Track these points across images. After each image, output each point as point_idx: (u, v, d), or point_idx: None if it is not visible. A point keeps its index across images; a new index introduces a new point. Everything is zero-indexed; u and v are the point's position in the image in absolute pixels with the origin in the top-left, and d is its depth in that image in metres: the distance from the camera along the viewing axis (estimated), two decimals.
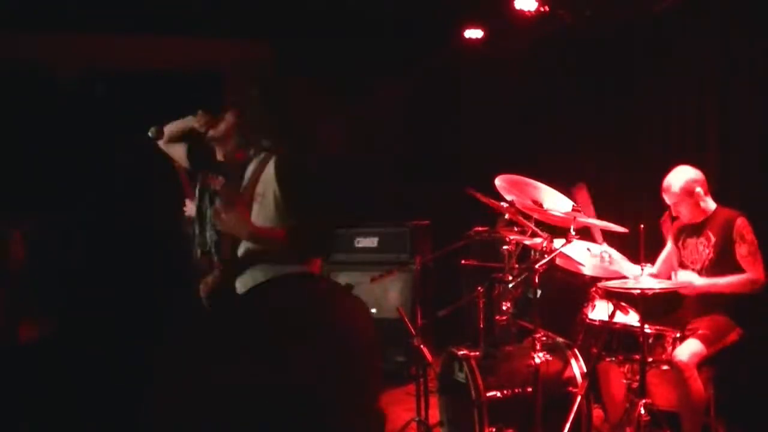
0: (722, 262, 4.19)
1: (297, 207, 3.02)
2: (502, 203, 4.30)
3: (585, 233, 4.54)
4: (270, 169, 3.10)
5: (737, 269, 4.15)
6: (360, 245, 6.53)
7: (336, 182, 3.10)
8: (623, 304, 4.13)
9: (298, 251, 3.02)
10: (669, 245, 4.52)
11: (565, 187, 4.25)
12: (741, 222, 4.19)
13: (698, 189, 4.27)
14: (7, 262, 3.17)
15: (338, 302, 1.45)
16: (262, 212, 3.07)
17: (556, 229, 4.41)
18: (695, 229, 4.36)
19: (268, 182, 3.09)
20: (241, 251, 3.13)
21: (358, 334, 1.37)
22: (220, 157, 3.89)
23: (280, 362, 1.31)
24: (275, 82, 3.23)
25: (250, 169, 3.20)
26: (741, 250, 4.15)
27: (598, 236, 4.59)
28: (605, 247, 4.47)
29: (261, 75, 3.25)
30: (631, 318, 4.15)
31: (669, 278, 4.34)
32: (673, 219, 4.46)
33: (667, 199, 4.34)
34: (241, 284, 3.10)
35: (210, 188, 3.89)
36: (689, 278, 4.22)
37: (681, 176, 4.30)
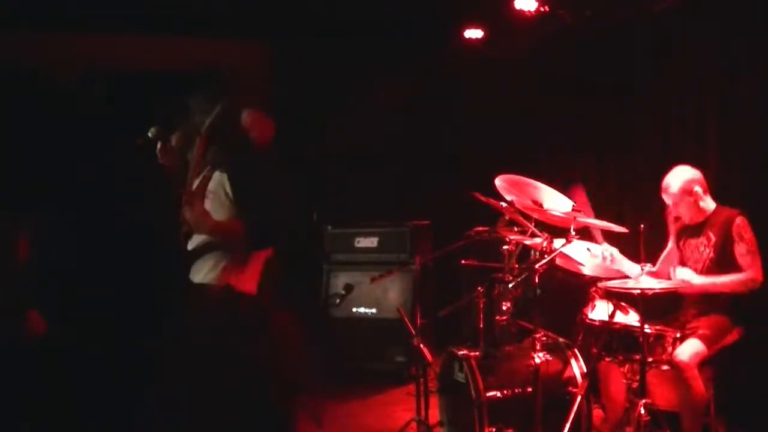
0: (723, 261, 4.19)
1: (246, 204, 3.18)
2: (502, 203, 4.30)
3: (584, 233, 4.54)
4: (221, 171, 3.25)
5: (737, 269, 4.16)
6: (360, 245, 6.53)
7: (281, 183, 3.24)
8: (623, 304, 4.13)
9: (250, 243, 3.19)
10: (670, 244, 4.52)
11: (562, 187, 4.25)
12: (740, 221, 4.19)
13: (697, 188, 4.27)
14: (12, 262, 3.17)
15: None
16: (213, 208, 3.21)
17: (556, 229, 4.41)
18: (696, 230, 4.36)
19: (218, 181, 3.25)
20: (193, 243, 3.27)
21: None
22: None
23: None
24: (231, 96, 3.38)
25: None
26: (740, 249, 4.15)
27: (598, 236, 4.59)
28: (606, 246, 4.47)
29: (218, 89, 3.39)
30: (631, 318, 4.15)
31: (669, 277, 4.35)
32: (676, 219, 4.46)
33: (667, 200, 4.34)
34: (194, 273, 3.25)
35: None
36: (687, 276, 4.22)
37: (679, 176, 4.31)
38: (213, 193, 3.25)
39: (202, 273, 3.24)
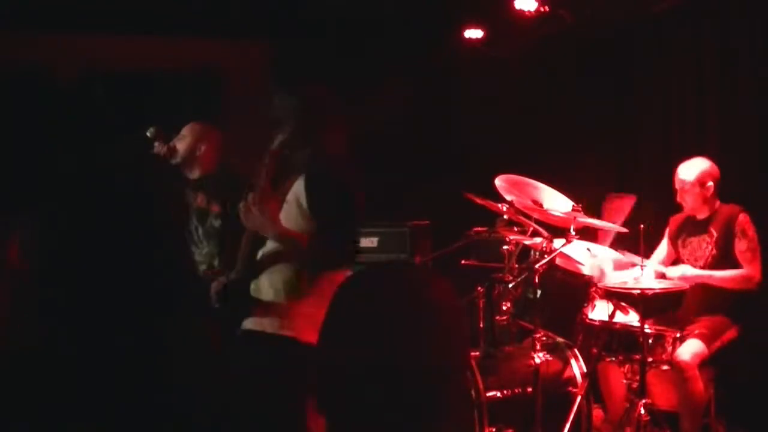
0: (724, 258, 4.20)
1: (321, 215, 3.06)
2: (500, 205, 4.29)
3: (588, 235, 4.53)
4: (301, 180, 3.12)
5: (738, 266, 4.16)
6: (360, 245, 6.52)
7: (354, 194, 3.16)
8: (623, 304, 4.13)
9: (318, 258, 3.04)
10: (662, 247, 4.52)
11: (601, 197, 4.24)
12: (743, 218, 4.20)
13: (710, 183, 4.27)
14: (7, 264, 3.16)
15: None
16: (284, 217, 3.09)
17: (556, 229, 4.41)
18: (697, 227, 4.36)
19: (297, 192, 3.11)
20: (260, 255, 3.15)
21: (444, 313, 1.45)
22: (195, 174, 4.02)
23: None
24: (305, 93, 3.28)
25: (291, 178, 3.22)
26: (740, 246, 4.16)
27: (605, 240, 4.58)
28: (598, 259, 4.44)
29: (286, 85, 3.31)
30: (631, 318, 4.14)
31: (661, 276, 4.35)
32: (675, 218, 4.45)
33: (677, 184, 4.34)
34: (256, 287, 3.13)
35: (192, 206, 3.98)
36: (682, 269, 4.22)
37: (698, 165, 4.31)
38: (288, 202, 3.12)
39: (266, 292, 3.09)
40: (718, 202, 4.34)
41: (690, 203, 4.33)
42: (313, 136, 3.14)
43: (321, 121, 3.19)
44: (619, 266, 4.41)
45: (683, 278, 4.18)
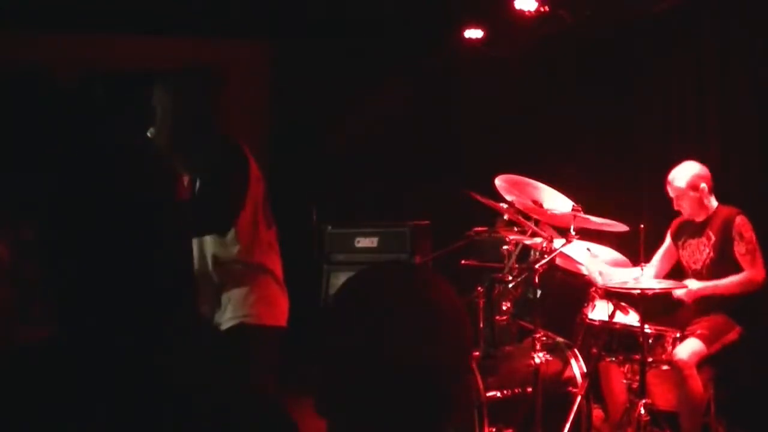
0: (723, 261, 4.19)
1: (204, 167, 3.06)
2: (501, 204, 4.29)
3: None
4: None
5: (738, 268, 4.16)
6: (360, 245, 6.52)
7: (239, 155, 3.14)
8: (623, 304, 4.13)
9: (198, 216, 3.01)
10: (666, 244, 4.52)
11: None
12: (740, 220, 4.19)
13: (703, 185, 4.27)
14: (5, 263, 3.15)
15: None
16: None
17: (556, 229, 4.41)
18: (696, 230, 4.35)
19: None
20: None
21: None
22: None
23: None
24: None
25: None
26: (739, 249, 4.15)
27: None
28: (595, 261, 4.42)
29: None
30: (631, 318, 4.15)
31: (665, 277, 4.35)
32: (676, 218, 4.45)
33: (671, 192, 4.33)
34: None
35: None
36: (687, 286, 4.20)
37: (688, 170, 4.30)
38: None
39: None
40: (715, 204, 4.33)
41: (687, 209, 4.33)
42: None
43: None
44: (616, 264, 4.41)
45: (690, 294, 4.17)
